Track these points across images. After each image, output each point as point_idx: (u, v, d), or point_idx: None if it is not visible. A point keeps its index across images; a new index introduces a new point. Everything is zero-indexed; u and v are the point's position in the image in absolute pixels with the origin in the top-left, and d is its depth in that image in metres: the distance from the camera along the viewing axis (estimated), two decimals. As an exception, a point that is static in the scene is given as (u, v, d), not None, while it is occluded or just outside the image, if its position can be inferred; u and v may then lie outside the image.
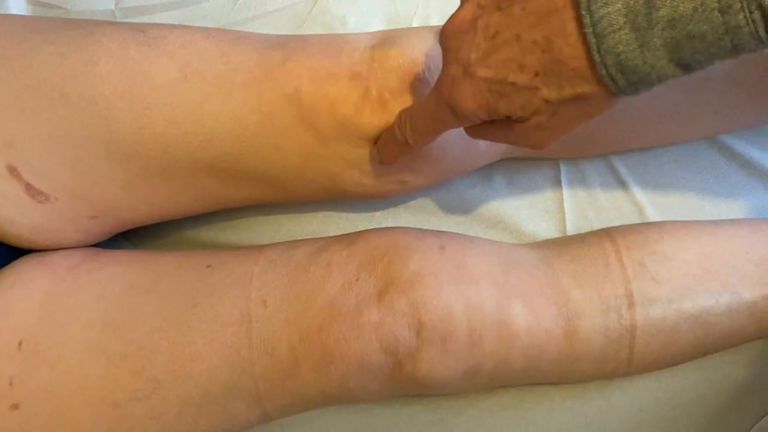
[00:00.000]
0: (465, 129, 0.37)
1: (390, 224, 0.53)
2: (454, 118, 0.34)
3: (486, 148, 0.46)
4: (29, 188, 0.41)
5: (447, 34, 0.33)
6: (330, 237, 0.46)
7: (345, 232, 0.47)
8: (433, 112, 0.36)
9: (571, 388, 0.49)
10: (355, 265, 0.42)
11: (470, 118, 0.33)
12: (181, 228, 0.53)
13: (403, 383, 0.41)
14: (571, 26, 0.28)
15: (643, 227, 0.46)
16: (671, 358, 0.44)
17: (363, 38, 0.44)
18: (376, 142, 0.42)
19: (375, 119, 0.41)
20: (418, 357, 0.40)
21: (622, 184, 0.54)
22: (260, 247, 0.46)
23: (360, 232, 0.46)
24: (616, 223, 0.51)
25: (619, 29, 0.27)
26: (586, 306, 0.42)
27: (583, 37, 0.28)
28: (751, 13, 0.25)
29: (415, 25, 0.56)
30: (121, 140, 0.41)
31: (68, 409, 0.39)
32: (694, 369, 0.48)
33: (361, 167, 0.44)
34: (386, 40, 0.44)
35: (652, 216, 0.52)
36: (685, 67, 0.27)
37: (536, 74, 0.30)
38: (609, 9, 0.27)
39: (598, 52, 0.27)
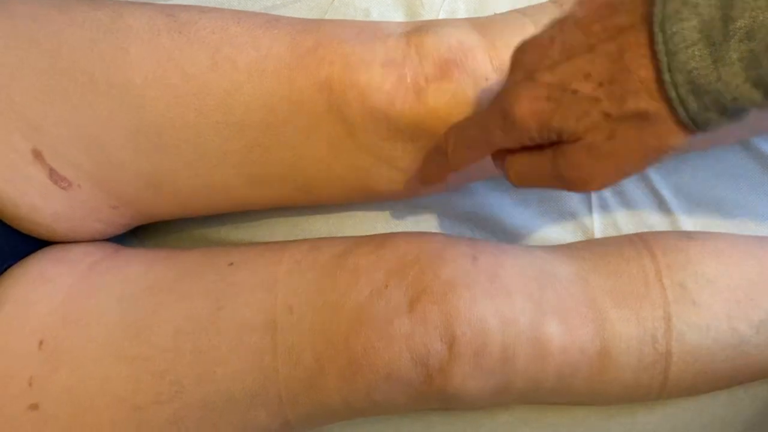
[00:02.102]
0: (508, 175, 0.35)
1: (410, 225, 0.51)
2: (502, 127, 0.32)
3: None
4: (53, 173, 0.40)
5: (523, 48, 0.32)
6: (354, 238, 0.45)
7: (362, 233, 0.46)
8: (483, 119, 0.34)
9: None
10: (384, 271, 0.41)
11: (520, 126, 0.31)
12: (191, 225, 0.52)
13: (432, 397, 0.40)
14: (644, 39, 0.26)
15: (685, 244, 0.44)
16: (704, 387, 0.43)
17: (397, 26, 0.43)
18: (411, 139, 0.41)
19: (406, 109, 0.39)
20: (450, 371, 0.39)
21: (653, 190, 0.52)
22: (282, 245, 0.45)
23: (387, 235, 0.44)
24: (645, 228, 0.49)
25: (693, 45, 0.25)
26: (623, 327, 0.41)
27: (655, 54, 0.26)
28: None
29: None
30: (150, 130, 0.39)
31: (88, 412, 0.38)
32: (727, 390, 0.47)
33: (391, 163, 0.42)
34: (422, 27, 0.42)
35: (685, 223, 0.51)
36: (765, 89, 0.25)
37: (600, 84, 0.28)
38: (683, 25, 0.25)
39: (669, 70, 0.25)
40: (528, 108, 0.30)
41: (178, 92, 0.39)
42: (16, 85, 0.38)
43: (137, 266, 0.43)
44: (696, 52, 0.25)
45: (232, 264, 0.43)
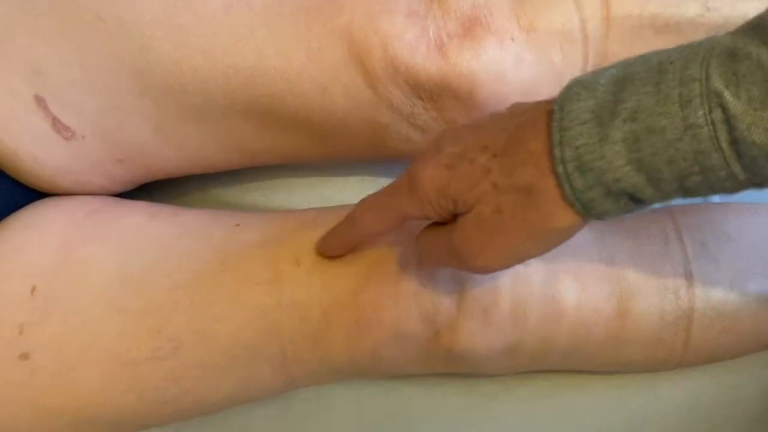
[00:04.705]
0: (417, 253, 0.36)
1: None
2: (408, 192, 0.32)
3: None
4: (56, 123, 0.39)
5: (440, 133, 0.33)
6: None
7: None
8: (393, 185, 0.34)
9: (615, 378, 0.46)
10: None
11: (421, 191, 0.31)
12: (206, 185, 0.50)
13: (438, 356, 0.39)
14: (542, 117, 0.27)
15: (707, 207, 0.43)
16: (730, 348, 0.41)
17: None
18: (431, 97, 0.40)
19: (428, 62, 0.38)
20: (457, 328, 0.37)
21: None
22: (292, 210, 0.44)
23: None
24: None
25: (584, 123, 0.26)
26: (642, 285, 0.39)
27: (550, 130, 0.26)
28: (710, 111, 0.23)
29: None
30: (157, 72, 0.38)
31: (79, 364, 0.36)
32: (750, 364, 0.45)
33: (410, 120, 0.41)
34: None
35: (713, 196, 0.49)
36: (648, 177, 0.25)
37: (494, 155, 0.29)
38: (579, 105, 0.26)
39: (559, 144, 0.26)
40: (428, 174, 0.31)
41: (187, 33, 0.38)
42: (18, 26, 0.37)
43: (138, 218, 0.41)
44: (585, 130, 0.26)
45: (238, 225, 0.41)
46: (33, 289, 0.37)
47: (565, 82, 0.41)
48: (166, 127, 0.40)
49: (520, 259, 0.30)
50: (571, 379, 0.46)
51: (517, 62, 0.40)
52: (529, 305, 0.38)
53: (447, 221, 0.32)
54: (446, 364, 0.40)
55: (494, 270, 0.31)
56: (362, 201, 0.36)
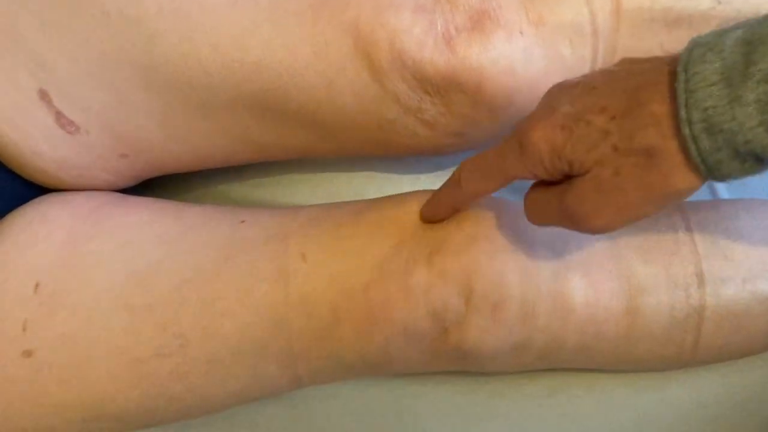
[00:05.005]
0: (525, 212, 0.35)
1: (438, 186, 0.49)
2: (518, 153, 0.32)
3: None
4: (59, 117, 0.38)
5: (550, 89, 0.32)
6: (376, 198, 0.43)
7: (387, 194, 0.44)
8: (500, 147, 0.33)
9: (623, 377, 0.45)
10: (408, 223, 0.39)
11: (532, 152, 0.31)
12: (211, 182, 0.50)
13: (447, 354, 0.39)
14: (663, 78, 0.27)
15: (717, 203, 0.43)
16: (739, 347, 0.41)
17: None
18: (439, 91, 0.39)
19: (436, 56, 0.38)
20: (466, 325, 0.37)
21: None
22: (297, 207, 0.43)
23: (411, 192, 0.43)
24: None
25: (712, 85, 0.25)
26: (652, 282, 0.39)
27: (674, 92, 0.26)
28: None
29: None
30: (163, 65, 0.38)
31: (84, 361, 0.36)
32: (761, 363, 0.45)
33: (417, 114, 0.41)
34: None
35: (723, 192, 0.49)
36: None
37: (613, 117, 0.28)
38: (706, 66, 0.26)
39: (686, 106, 0.25)
40: (542, 134, 0.30)
41: (193, 26, 0.37)
42: (22, 20, 0.37)
43: (143, 214, 0.41)
44: (714, 92, 0.25)
45: (243, 221, 0.41)
46: (36, 286, 0.36)
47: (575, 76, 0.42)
48: (172, 121, 0.40)
49: (636, 219, 0.30)
50: (578, 378, 0.46)
51: (526, 56, 0.39)
52: (538, 303, 0.38)
53: (557, 181, 0.32)
54: (454, 362, 0.40)
55: (609, 231, 0.31)
56: (466, 162, 0.36)
